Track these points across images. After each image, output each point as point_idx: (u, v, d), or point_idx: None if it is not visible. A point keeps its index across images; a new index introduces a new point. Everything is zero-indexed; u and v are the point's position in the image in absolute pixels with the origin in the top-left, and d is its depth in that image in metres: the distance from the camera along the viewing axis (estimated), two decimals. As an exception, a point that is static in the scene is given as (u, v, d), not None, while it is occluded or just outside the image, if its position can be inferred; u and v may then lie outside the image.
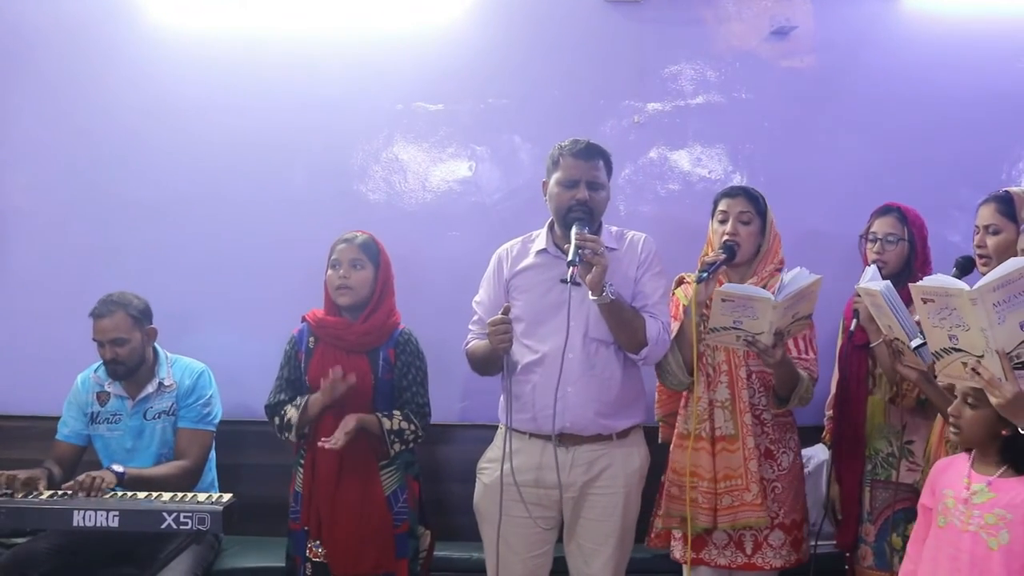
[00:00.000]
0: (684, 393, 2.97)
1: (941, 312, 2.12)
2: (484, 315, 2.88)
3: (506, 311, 2.70)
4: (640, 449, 2.89)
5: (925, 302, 2.14)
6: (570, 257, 2.59)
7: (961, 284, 2.09)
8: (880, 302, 2.52)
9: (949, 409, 2.30)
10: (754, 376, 2.88)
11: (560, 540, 2.91)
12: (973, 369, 2.10)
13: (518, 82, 3.77)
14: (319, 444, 2.86)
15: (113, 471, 3.02)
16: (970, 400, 2.23)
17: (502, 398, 2.90)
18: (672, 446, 2.99)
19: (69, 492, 2.91)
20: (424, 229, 3.75)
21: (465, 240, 3.62)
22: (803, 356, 2.88)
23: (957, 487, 2.27)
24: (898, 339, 2.57)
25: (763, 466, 2.85)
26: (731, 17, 3.78)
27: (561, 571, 2.94)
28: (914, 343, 2.51)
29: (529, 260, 2.87)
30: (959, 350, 2.13)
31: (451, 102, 3.79)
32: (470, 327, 2.95)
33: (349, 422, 2.86)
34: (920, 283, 2.17)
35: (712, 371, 2.87)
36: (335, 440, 2.82)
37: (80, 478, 2.94)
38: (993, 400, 2.08)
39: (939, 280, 2.14)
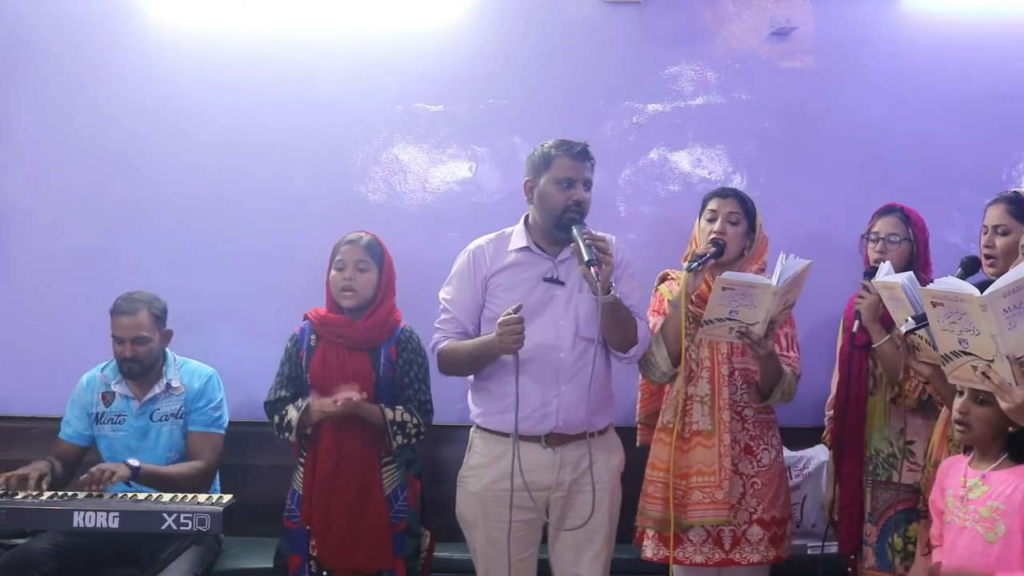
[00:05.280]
0: (666, 389, 2.97)
1: (951, 316, 2.10)
2: (458, 314, 2.87)
3: (517, 309, 2.67)
4: (618, 445, 2.93)
5: (935, 305, 2.13)
6: (587, 257, 2.60)
7: (971, 289, 2.07)
8: (899, 295, 2.46)
9: (956, 406, 2.30)
10: (736, 373, 2.89)
11: (544, 541, 2.90)
12: (983, 373, 2.10)
13: (518, 83, 3.77)
14: (314, 406, 2.85)
15: (129, 465, 3.02)
16: (980, 397, 2.23)
17: (472, 400, 2.89)
18: (653, 441, 2.99)
19: (77, 488, 2.91)
20: (424, 230, 3.75)
21: (465, 241, 3.56)
22: (786, 354, 2.90)
23: (956, 486, 2.29)
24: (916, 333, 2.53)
25: (742, 462, 2.86)
26: (731, 18, 3.79)
27: (543, 573, 2.94)
28: (904, 328, 2.46)
29: (509, 258, 2.86)
30: (969, 354, 2.12)
31: (451, 103, 3.79)
32: (438, 326, 2.90)
33: (352, 395, 2.84)
34: (930, 286, 2.15)
35: (695, 366, 2.88)
36: (333, 400, 2.81)
37: (92, 470, 2.93)
38: (1003, 404, 2.08)
39: (949, 284, 2.11)
